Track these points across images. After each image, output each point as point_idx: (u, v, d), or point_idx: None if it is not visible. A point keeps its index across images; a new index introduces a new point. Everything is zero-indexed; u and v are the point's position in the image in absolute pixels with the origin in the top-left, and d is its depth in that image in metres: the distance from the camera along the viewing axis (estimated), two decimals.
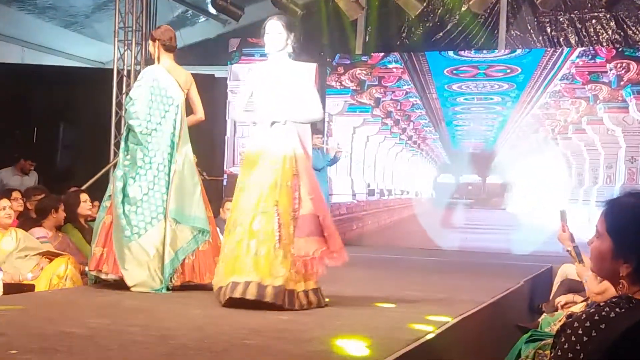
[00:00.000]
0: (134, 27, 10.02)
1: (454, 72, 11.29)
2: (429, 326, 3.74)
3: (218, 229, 5.43)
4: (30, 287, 5.31)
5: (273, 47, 4.64)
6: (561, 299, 4.99)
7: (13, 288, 5.22)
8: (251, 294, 4.13)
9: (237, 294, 4.15)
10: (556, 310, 4.60)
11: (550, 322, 3.97)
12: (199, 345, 3.15)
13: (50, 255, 5.65)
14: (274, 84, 4.63)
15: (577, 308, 4.01)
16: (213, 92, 9.72)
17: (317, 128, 10.62)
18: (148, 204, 5.01)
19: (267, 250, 4.24)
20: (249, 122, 4.84)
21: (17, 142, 10.26)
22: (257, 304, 4.13)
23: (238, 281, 4.19)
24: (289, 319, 3.97)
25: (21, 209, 6.49)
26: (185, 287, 5.01)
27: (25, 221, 6.37)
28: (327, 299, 4.51)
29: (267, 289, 4.15)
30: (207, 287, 4.80)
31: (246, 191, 4.43)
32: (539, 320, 4.46)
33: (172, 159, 5.13)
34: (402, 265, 8.01)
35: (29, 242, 5.76)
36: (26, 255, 5.62)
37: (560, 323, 2.37)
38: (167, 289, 4.91)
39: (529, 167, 11.09)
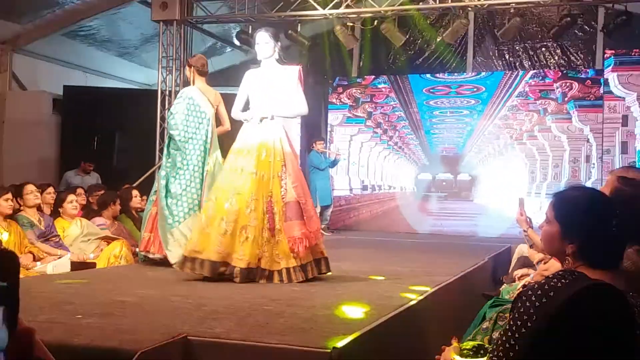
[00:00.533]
0: (174, 56, 10.03)
1: (431, 90, 11.28)
2: (412, 294, 3.75)
3: None
4: (92, 265, 5.38)
5: (262, 54, 4.46)
6: (518, 272, 4.96)
7: (78, 265, 5.28)
8: (260, 279, 4.07)
9: (241, 279, 4.04)
10: (514, 281, 4.58)
11: (510, 291, 3.95)
12: (227, 311, 3.16)
13: (108, 239, 5.71)
14: (265, 86, 4.44)
15: (529, 280, 3.98)
16: None
17: (321, 136, 10.68)
18: (186, 197, 5.01)
19: (267, 238, 4.13)
20: (243, 120, 4.53)
21: (83, 149, 10.33)
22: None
23: (244, 266, 4.05)
24: (299, 289, 3.97)
25: (84, 202, 6.53)
26: None
27: (88, 212, 6.42)
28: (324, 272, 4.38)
29: (274, 274, 4.08)
30: None
31: (241, 175, 4.19)
32: (500, 289, 4.44)
33: (205, 161, 5.12)
34: (389, 246, 8.02)
35: (91, 229, 5.82)
36: (89, 239, 5.69)
37: (518, 292, 2.37)
38: None
39: (492, 167, 11.09)
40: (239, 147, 4.35)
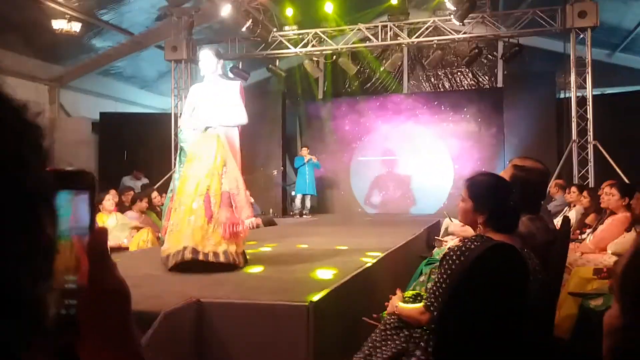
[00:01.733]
0: (183, 87, 9.91)
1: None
2: (369, 258, 3.71)
3: None
4: (125, 248, 5.25)
5: (207, 70, 3.74)
6: (445, 239, 4.99)
7: (115, 249, 5.15)
8: (187, 257, 3.33)
9: (179, 258, 3.35)
10: (442, 245, 4.61)
11: (439, 253, 3.96)
12: (227, 279, 3.06)
13: (138, 228, 5.58)
14: (209, 98, 3.74)
15: (452, 244, 4.03)
16: None
17: (305, 145, 10.48)
18: None
19: (202, 224, 3.46)
20: (191, 128, 3.80)
21: (116, 160, 10.15)
22: (195, 262, 3.33)
23: (179, 249, 3.40)
24: (283, 259, 3.84)
25: (117, 200, 6.35)
26: None
27: (121, 208, 6.27)
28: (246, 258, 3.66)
29: (200, 253, 3.38)
30: None
31: (188, 180, 3.62)
32: (433, 251, 4.44)
33: None
34: (353, 222, 7.99)
35: (124, 221, 5.69)
36: (122, 229, 5.55)
37: (444, 253, 2.39)
38: None
39: (425, 165, 11.03)
40: (190, 155, 3.76)
